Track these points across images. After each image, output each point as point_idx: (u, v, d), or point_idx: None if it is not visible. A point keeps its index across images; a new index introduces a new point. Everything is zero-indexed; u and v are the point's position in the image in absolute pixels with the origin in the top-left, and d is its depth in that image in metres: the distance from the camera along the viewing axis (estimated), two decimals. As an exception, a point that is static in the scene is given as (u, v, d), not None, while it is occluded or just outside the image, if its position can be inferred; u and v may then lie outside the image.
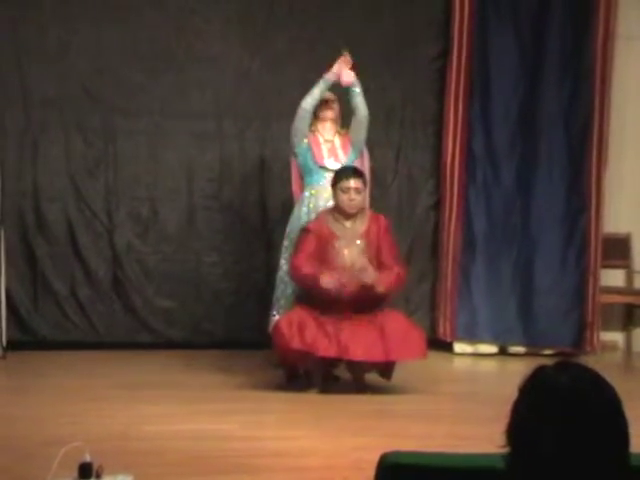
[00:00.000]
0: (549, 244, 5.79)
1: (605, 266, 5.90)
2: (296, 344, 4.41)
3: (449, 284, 5.81)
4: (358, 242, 4.60)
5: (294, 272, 4.61)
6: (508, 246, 5.82)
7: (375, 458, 1.73)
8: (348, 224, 4.64)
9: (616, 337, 6.13)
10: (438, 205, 5.93)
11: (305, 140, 4.90)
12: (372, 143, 5.19)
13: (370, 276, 4.50)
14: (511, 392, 1.45)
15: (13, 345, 5.30)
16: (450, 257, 5.82)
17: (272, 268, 5.42)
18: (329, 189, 4.73)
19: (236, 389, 4.64)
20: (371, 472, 1.72)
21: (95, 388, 4.52)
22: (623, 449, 1.37)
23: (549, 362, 1.43)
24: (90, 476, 2.65)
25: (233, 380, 4.82)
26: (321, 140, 4.94)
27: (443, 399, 4.64)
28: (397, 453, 1.72)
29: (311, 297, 4.59)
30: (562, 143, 5.81)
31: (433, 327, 5.89)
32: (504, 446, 1.38)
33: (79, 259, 5.57)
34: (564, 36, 5.77)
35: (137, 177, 5.65)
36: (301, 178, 4.98)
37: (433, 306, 5.92)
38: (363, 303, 4.54)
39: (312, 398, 4.52)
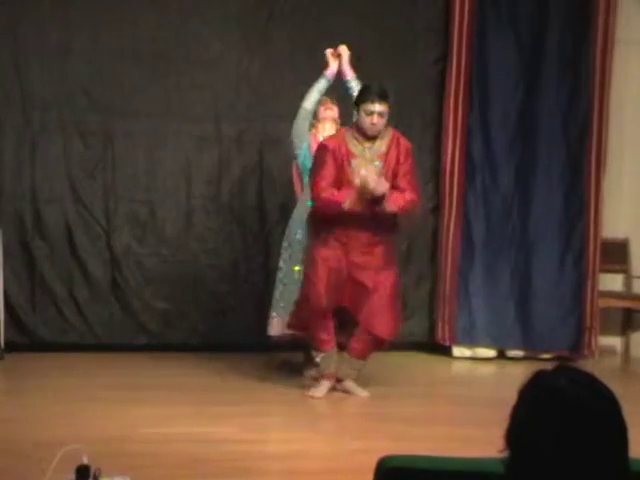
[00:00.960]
0: (547, 248, 5.79)
1: (603, 271, 5.90)
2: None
3: (448, 288, 5.80)
4: (376, 163, 4.54)
5: (317, 200, 4.52)
6: (507, 250, 5.82)
7: (374, 461, 1.73)
8: (367, 144, 4.56)
9: (614, 342, 6.13)
10: (437, 209, 5.93)
11: (306, 142, 4.89)
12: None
13: (382, 186, 4.41)
14: (510, 395, 1.45)
15: (11, 347, 5.29)
16: (449, 261, 5.82)
17: (270, 270, 5.43)
18: None
19: (234, 392, 4.63)
20: (370, 475, 1.72)
21: (93, 390, 4.51)
22: (622, 453, 1.37)
23: (548, 366, 1.43)
24: (87, 478, 2.64)
25: (231, 383, 4.81)
26: None
27: (442, 402, 4.64)
28: (396, 457, 1.72)
29: (326, 222, 4.52)
30: (561, 148, 5.81)
31: (432, 331, 5.89)
32: (503, 450, 1.38)
33: (77, 261, 5.56)
34: (563, 41, 5.78)
35: (135, 179, 5.65)
36: (301, 179, 4.97)
37: (432, 310, 5.92)
38: (375, 225, 4.49)
39: (312, 401, 4.52)
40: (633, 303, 6.03)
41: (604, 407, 1.36)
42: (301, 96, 5.02)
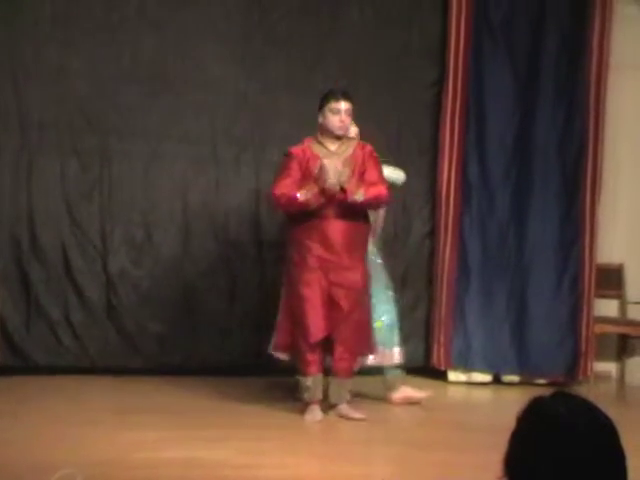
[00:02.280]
0: (543, 272, 5.80)
1: (599, 296, 5.91)
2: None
3: (443, 312, 5.81)
4: (345, 170, 4.56)
5: (275, 201, 4.59)
6: (502, 274, 5.83)
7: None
8: (333, 147, 4.64)
9: (609, 367, 6.13)
10: (433, 233, 5.95)
11: None
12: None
13: (343, 176, 4.47)
14: (506, 421, 1.45)
15: (5, 369, 5.26)
16: (445, 285, 5.82)
17: (266, 293, 5.43)
18: None
19: (231, 415, 4.60)
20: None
21: (87, 413, 4.49)
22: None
23: (546, 392, 1.43)
24: (82, 503, 2.62)
25: (228, 406, 4.79)
26: None
27: (438, 427, 4.62)
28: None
29: (304, 236, 4.55)
30: (556, 172, 5.84)
31: (427, 355, 5.88)
32: (502, 476, 1.38)
33: (73, 283, 5.55)
34: (558, 65, 5.83)
35: (132, 201, 5.65)
36: None
37: (428, 334, 5.91)
38: (345, 215, 4.51)
39: (308, 425, 4.50)
40: (628, 329, 6.03)
41: (603, 435, 1.36)
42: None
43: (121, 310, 5.59)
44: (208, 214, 5.74)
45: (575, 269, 5.82)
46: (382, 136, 5.75)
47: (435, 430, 4.55)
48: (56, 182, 5.55)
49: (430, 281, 5.93)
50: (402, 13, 5.86)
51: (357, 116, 5.00)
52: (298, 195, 4.48)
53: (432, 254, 5.92)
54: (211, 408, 4.74)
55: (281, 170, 4.63)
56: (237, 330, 5.67)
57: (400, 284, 5.78)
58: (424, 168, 5.92)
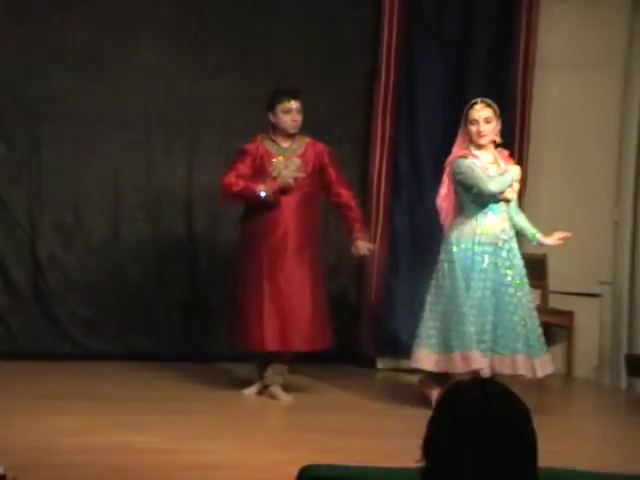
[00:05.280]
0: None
1: (523, 285, 6.06)
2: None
3: (373, 300, 5.88)
4: (295, 160, 4.73)
5: (225, 190, 4.69)
6: (432, 263, 5.93)
7: (295, 472, 1.77)
8: (285, 144, 4.77)
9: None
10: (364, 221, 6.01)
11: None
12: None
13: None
14: (430, 407, 1.51)
15: None
16: (375, 274, 5.90)
17: (196, 280, 5.42)
18: None
19: (159, 401, 4.61)
20: (291, 485, 1.75)
21: (12, 399, 4.42)
22: (532, 463, 1.44)
23: (465, 378, 1.49)
24: (5, 489, 2.59)
25: (156, 392, 4.79)
26: None
27: (365, 414, 4.69)
28: (316, 466, 1.76)
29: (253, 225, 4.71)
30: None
31: (357, 342, 5.95)
32: (420, 460, 1.43)
33: (-2, 267, 5.46)
34: (487, 62, 5.95)
35: (62, 185, 5.58)
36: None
37: (357, 321, 5.98)
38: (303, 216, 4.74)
39: (236, 412, 4.53)
40: (550, 317, 6.20)
41: (516, 419, 1.43)
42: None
43: (49, 295, 5.52)
44: (139, 200, 5.70)
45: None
46: (314, 126, 5.78)
47: (361, 417, 4.62)
48: (-18, 166, 5.44)
49: (361, 269, 6.00)
50: (336, 5, 5.90)
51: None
52: (257, 190, 4.61)
53: (362, 243, 5.98)
54: (139, 394, 4.73)
55: (233, 162, 4.73)
56: (166, 316, 5.65)
57: (332, 272, 5.84)
58: (356, 158, 5.98)
